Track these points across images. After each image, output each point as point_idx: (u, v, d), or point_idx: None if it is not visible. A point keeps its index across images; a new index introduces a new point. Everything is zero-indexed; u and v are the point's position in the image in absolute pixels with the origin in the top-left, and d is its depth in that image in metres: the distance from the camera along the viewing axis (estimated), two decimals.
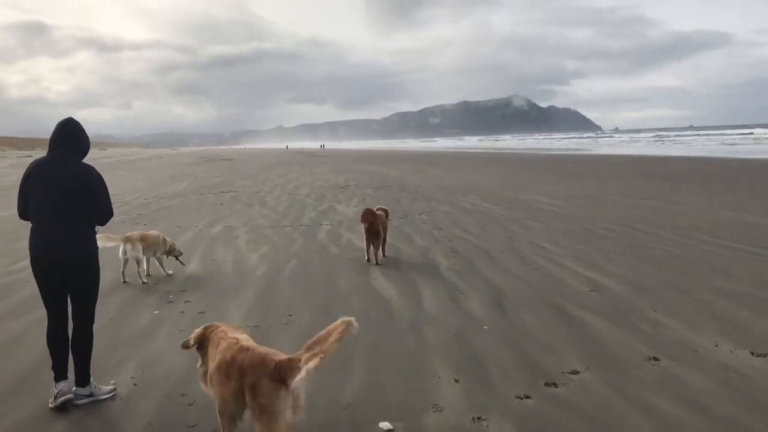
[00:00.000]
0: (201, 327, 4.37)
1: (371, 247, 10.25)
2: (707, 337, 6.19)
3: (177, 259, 9.68)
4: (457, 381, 5.20)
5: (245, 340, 3.99)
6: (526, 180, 28.67)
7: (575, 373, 5.34)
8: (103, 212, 4.95)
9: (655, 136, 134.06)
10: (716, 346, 5.95)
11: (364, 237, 10.28)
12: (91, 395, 4.92)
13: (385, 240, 10.56)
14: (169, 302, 7.92)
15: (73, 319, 4.93)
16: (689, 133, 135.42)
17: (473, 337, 6.33)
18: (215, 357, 3.95)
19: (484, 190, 22.95)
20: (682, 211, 16.15)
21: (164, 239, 9.52)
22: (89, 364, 4.95)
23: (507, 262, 9.95)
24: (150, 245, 9.30)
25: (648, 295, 7.78)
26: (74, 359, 4.91)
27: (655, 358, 5.64)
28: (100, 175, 4.95)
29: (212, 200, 21.82)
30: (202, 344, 4.25)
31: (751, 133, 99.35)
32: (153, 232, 9.57)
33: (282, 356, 3.64)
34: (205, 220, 16.23)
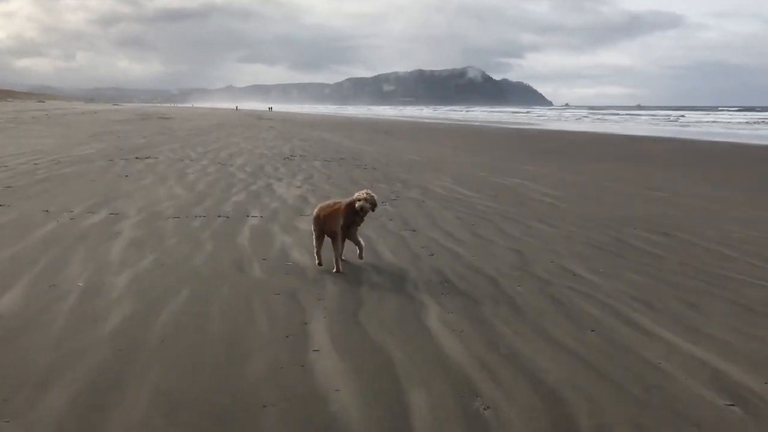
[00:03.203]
0: None
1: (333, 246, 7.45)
2: None
3: None
4: None
5: None
6: (500, 158, 24.90)
7: None
8: None
9: (589, 113, 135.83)
10: None
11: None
12: None
13: (342, 243, 7.44)
14: None
15: None
16: (641, 113, 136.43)
17: None
18: None
19: (456, 170, 19.04)
20: (715, 210, 12.61)
21: None
22: None
23: (536, 309, 6.05)
24: None
25: None
26: None
27: None
28: None
29: (119, 169, 17.32)
30: None
31: (683, 116, 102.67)
32: None
33: None
34: (91, 200, 11.87)
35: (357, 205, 7.27)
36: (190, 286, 6.49)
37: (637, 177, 18.93)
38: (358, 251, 7.64)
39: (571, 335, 5.32)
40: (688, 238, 9.71)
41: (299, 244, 8.58)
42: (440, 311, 5.86)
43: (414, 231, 9.72)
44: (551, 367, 4.67)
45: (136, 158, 20.89)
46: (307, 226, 9.87)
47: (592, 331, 5.45)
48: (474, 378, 4.44)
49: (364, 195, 7.34)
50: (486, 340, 5.17)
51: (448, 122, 77.75)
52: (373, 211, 7.48)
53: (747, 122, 75.98)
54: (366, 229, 9.40)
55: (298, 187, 14.52)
